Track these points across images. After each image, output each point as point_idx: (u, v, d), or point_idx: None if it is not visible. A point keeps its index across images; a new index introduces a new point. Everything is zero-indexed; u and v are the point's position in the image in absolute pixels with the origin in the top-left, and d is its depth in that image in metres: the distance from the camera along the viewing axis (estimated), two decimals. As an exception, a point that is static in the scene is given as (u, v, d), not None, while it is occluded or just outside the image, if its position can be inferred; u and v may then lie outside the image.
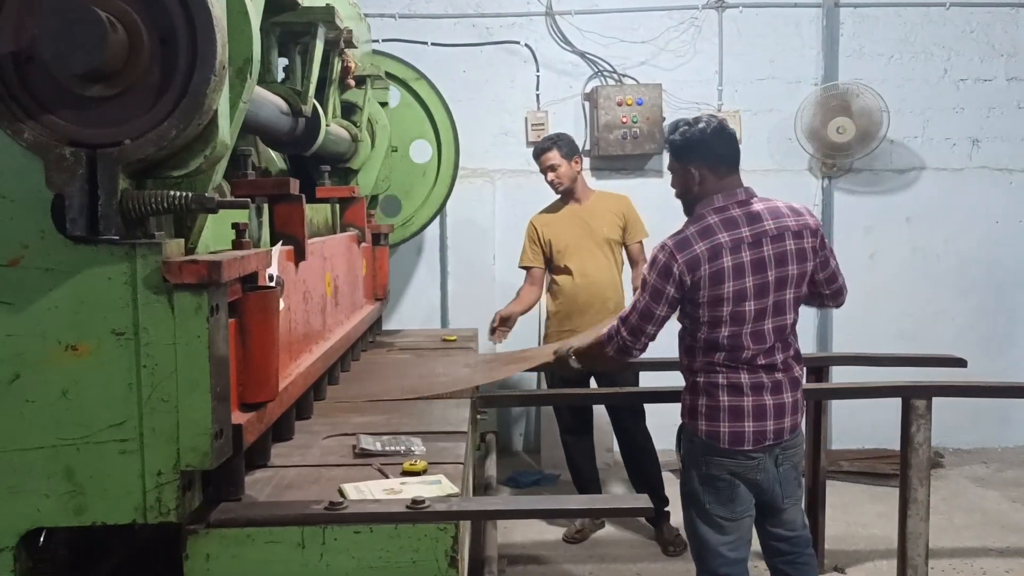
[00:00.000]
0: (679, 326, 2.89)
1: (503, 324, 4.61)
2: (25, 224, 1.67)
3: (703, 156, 2.74)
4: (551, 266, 4.66)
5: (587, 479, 4.58)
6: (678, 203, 4.39)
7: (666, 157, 5.68)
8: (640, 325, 2.77)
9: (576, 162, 4.58)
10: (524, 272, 4.77)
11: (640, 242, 4.60)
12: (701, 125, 2.76)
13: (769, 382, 2.74)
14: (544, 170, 4.60)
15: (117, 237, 1.62)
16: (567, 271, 4.57)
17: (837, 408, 5.54)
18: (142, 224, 1.68)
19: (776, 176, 5.82)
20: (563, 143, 4.56)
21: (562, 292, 4.59)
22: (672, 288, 2.69)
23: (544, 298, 4.83)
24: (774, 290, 2.70)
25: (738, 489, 2.75)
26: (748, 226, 2.69)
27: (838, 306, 2.99)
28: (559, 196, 4.67)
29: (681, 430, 2.92)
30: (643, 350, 2.85)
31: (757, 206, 2.74)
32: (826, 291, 2.89)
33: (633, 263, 4.64)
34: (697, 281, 2.65)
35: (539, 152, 4.61)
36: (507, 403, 3.33)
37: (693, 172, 2.76)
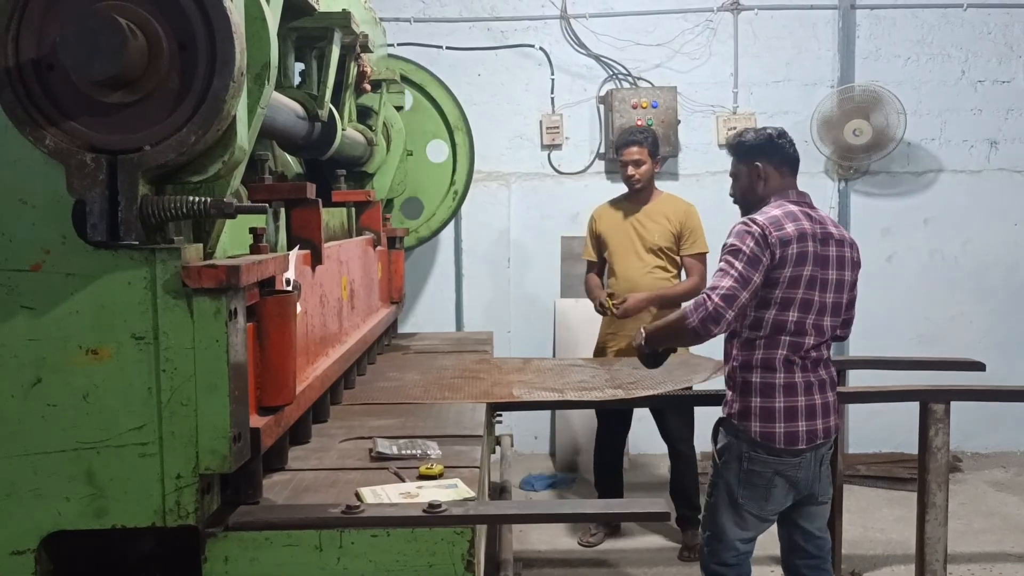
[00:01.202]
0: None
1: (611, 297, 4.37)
2: (47, 229, 1.69)
3: (773, 156, 2.90)
4: (604, 263, 4.57)
5: (611, 480, 4.54)
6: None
7: (682, 160, 5.69)
8: (734, 291, 2.69)
9: (657, 163, 4.48)
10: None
11: (697, 255, 4.36)
12: (769, 131, 2.94)
13: (816, 380, 2.82)
14: (626, 163, 4.40)
15: (137, 242, 1.64)
16: (612, 272, 4.49)
17: (854, 412, 5.50)
18: (161, 229, 1.69)
19: (792, 179, 5.79)
20: (651, 141, 4.41)
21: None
22: (766, 256, 2.70)
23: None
24: (834, 290, 2.82)
25: (774, 488, 2.79)
26: (819, 225, 2.82)
27: (844, 336, 3.04)
28: (629, 191, 4.49)
29: (720, 424, 2.92)
30: (729, 327, 2.75)
31: (820, 212, 2.91)
32: (846, 315, 2.96)
33: (687, 273, 4.40)
34: (784, 257, 2.71)
35: (627, 143, 4.41)
36: (522, 407, 3.32)
37: (761, 169, 2.89)
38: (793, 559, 3.00)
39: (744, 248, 2.71)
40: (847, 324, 2.99)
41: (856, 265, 2.91)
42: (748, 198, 2.94)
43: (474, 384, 3.34)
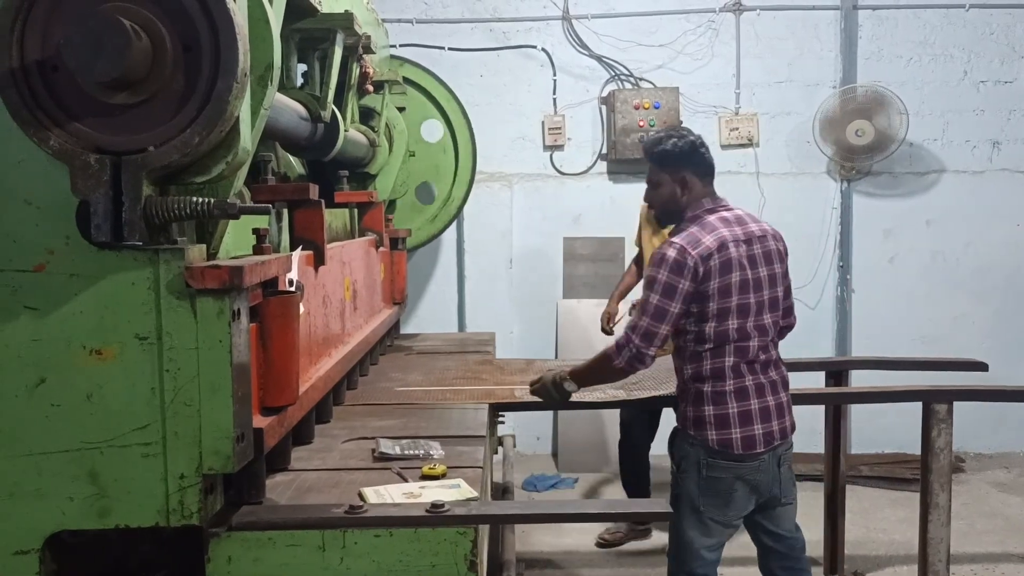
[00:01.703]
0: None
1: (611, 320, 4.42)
2: (51, 230, 1.70)
3: (698, 166, 2.87)
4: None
5: (636, 482, 4.47)
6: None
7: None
8: (652, 328, 2.75)
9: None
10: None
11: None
12: (691, 137, 2.89)
13: (767, 382, 2.82)
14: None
15: (141, 243, 1.65)
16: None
17: (857, 412, 5.50)
18: (165, 230, 1.70)
19: (794, 179, 5.80)
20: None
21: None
22: (686, 281, 2.72)
23: None
24: (767, 286, 2.82)
25: (735, 494, 2.79)
26: (739, 226, 2.82)
27: (790, 326, 3.04)
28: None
29: (676, 434, 2.92)
30: (654, 358, 2.82)
31: (738, 211, 2.90)
32: (785, 304, 2.97)
33: None
34: (709, 270, 2.72)
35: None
36: (526, 408, 3.33)
37: (687, 179, 2.86)
38: (767, 563, 3.00)
39: (659, 277, 2.74)
40: (788, 312, 2.99)
41: (783, 255, 2.91)
42: (670, 208, 2.91)
43: (477, 385, 3.34)
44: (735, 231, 2.79)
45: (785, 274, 2.93)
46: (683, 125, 3.00)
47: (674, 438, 2.93)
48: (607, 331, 4.40)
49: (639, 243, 4.55)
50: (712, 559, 2.86)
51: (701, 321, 2.77)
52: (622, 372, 2.84)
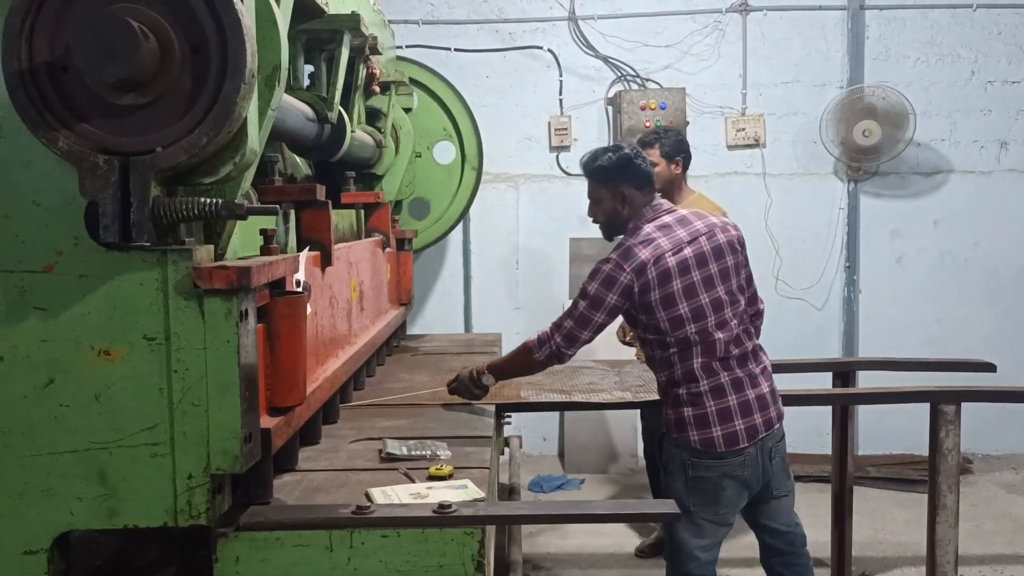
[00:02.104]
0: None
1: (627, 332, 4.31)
2: (59, 231, 1.70)
3: (633, 177, 2.88)
4: None
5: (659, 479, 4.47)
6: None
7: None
8: (575, 332, 2.80)
9: (677, 163, 4.17)
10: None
11: None
12: (626, 151, 2.92)
13: (744, 375, 2.81)
14: None
15: (149, 243, 1.65)
16: None
17: (864, 413, 5.49)
18: (173, 231, 1.70)
19: (801, 179, 5.79)
20: (667, 141, 4.18)
21: None
22: (615, 296, 2.74)
23: None
24: (720, 281, 2.81)
25: (723, 491, 2.78)
26: (682, 228, 2.82)
27: (759, 313, 3.04)
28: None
29: (662, 438, 2.93)
30: (572, 356, 2.88)
31: (681, 211, 2.91)
32: (748, 293, 2.97)
33: None
34: (645, 284, 2.73)
35: (641, 145, 4.20)
36: (532, 409, 3.33)
37: (625, 193, 2.88)
38: (768, 559, 3.00)
39: (590, 289, 2.78)
40: (753, 300, 2.97)
41: (737, 244, 2.88)
42: (612, 222, 2.94)
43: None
44: (677, 235, 2.79)
45: (744, 263, 2.91)
46: (636, 147, 3.03)
47: (661, 441, 2.94)
48: (628, 344, 4.32)
49: None
50: (707, 559, 2.86)
51: (657, 332, 2.79)
52: (540, 365, 2.93)
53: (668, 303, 2.74)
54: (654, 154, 4.19)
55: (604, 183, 2.91)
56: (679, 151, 4.17)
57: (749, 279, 2.96)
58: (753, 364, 2.85)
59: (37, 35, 1.59)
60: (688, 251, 2.77)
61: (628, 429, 5.63)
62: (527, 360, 2.93)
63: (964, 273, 5.84)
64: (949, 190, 5.82)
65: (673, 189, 4.23)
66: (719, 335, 2.77)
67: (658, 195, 2.96)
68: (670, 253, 2.75)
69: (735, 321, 2.82)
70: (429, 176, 4.96)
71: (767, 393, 2.85)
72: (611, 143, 5.70)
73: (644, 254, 2.74)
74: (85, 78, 1.57)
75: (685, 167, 4.20)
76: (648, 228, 2.82)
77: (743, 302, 2.88)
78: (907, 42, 5.74)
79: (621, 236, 2.90)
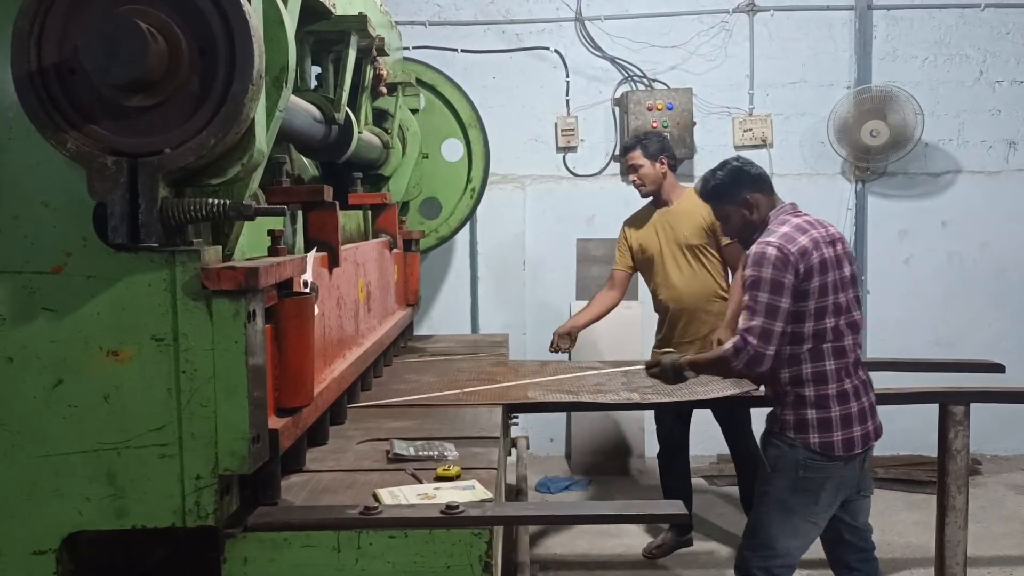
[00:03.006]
0: None
1: (562, 340, 4.30)
2: (68, 232, 1.71)
3: (749, 182, 2.93)
4: (643, 275, 4.41)
5: (676, 481, 4.38)
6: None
7: (698, 162, 5.62)
8: (767, 325, 2.71)
9: (662, 162, 4.20)
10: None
11: (735, 242, 3.85)
12: (732, 163, 2.98)
13: (860, 384, 2.86)
14: (627, 170, 4.34)
15: (157, 244, 1.66)
16: (655, 282, 4.32)
17: (872, 414, 5.47)
18: (181, 231, 1.71)
19: (809, 180, 5.77)
20: (650, 142, 4.23)
21: (657, 306, 4.35)
22: (790, 275, 2.71)
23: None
24: (851, 286, 2.86)
25: (824, 492, 2.80)
26: (818, 229, 2.85)
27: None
28: (646, 200, 4.35)
29: (772, 437, 2.89)
30: (773, 358, 2.74)
31: (807, 215, 2.93)
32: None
33: (732, 267, 4.13)
34: (809, 268, 2.74)
35: (624, 151, 4.31)
36: (539, 409, 3.33)
37: (749, 199, 2.91)
38: (843, 555, 3.01)
39: (764, 276, 2.72)
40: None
41: (854, 258, 2.95)
42: (748, 232, 2.96)
43: (490, 386, 3.34)
44: (820, 232, 2.83)
45: (857, 276, 2.96)
46: (739, 156, 3.09)
47: (767, 442, 2.91)
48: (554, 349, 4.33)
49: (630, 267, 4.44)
50: (792, 563, 2.89)
51: (798, 321, 2.76)
52: (742, 374, 2.92)
53: (822, 292, 2.76)
54: (637, 156, 4.23)
55: (726, 199, 2.96)
56: (662, 150, 4.22)
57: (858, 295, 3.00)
58: (863, 373, 2.91)
59: (46, 37, 1.60)
60: (830, 251, 2.80)
61: (635, 430, 5.63)
62: (726, 368, 2.89)
63: (972, 274, 5.82)
64: (957, 190, 5.80)
65: (664, 186, 4.27)
66: (848, 339, 2.81)
67: (776, 196, 2.99)
68: (824, 245, 2.79)
69: (858, 326, 2.87)
70: (436, 175, 4.95)
71: (873, 402, 2.90)
72: (618, 144, 5.73)
73: (803, 240, 2.76)
74: (94, 80, 1.58)
75: (672, 165, 4.27)
76: (795, 220, 2.85)
77: (859, 312, 2.92)
78: (915, 42, 5.72)
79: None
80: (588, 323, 4.44)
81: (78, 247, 1.70)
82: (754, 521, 2.94)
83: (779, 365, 2.83)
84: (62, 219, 1.71)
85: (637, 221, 4.41)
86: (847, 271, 2.85)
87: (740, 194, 2.91)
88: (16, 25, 1.59)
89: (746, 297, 2.77)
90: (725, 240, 4.03)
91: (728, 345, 2.82)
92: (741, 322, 2.79)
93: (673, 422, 4.36)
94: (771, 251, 2.72)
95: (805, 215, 2.91)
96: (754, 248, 2.79)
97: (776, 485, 2.84)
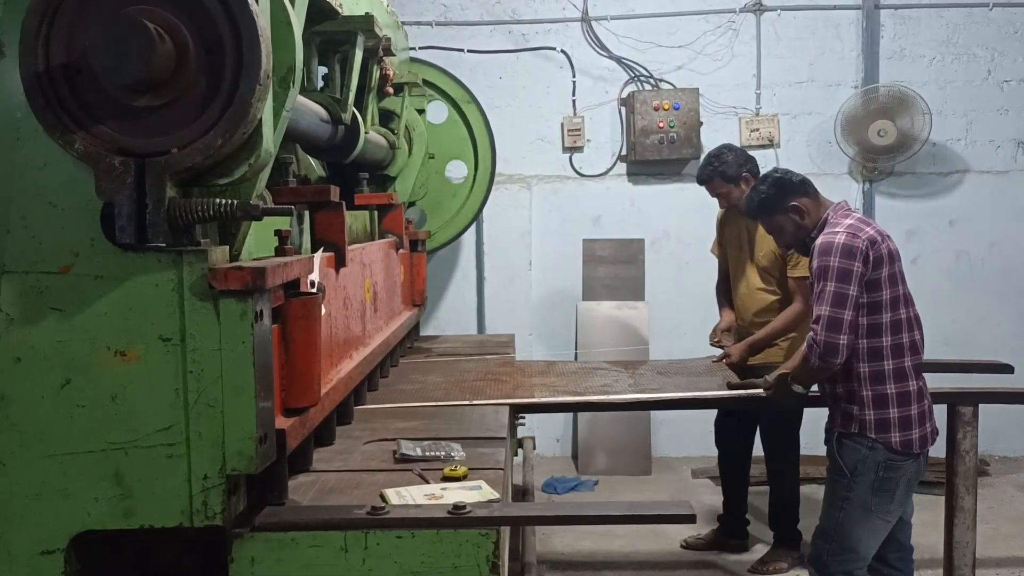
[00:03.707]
0: None
1: (725, 336, 4.10)
2: (75, 232, 1.71)
3: (793, 189, 2.95)
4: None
5: (733, 475, 4.37)
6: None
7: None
8: (835, 314, 2.69)
9: (747, 180, 3.89)
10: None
11: (801, 279, 3.71)
12: (773, 174, 3.01)
13: (923, 382, 2.90)
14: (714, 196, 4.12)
15: (164, 244, 1.66)
16: (731, 280, 4.22)
17: (879, 415, 5.45)
18: (188, 232, 1.71)
19: (816, 180, 5.59)
20: (726, 166, 3.94)
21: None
22: (858, 264, 2.71)
23: None
24: (908, 282, 2.89)
25: (898, 490, 2.82)
26: (873, 226, 2.87)
27: None
28: None
29: (846, 439, 2.86)
30: (848, 348, 2.72)
31: (858, 214, 2.97)
32: None
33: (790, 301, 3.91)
34: (879, 257, 2.75)
35: (700, 182, 4.07)
36: (545, 410, 3.33)
37: (797, 205, 2.92)
38: (882, 549, 2.96)
39: (831, 264, 2.71)
40: None
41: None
42: (801, 236, 2.97)
43: (497, 387, 3.34)
44: (875, 228, 2.85)
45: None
46: (777, 167, 3.14)
47: (840, 443, 2.87)
48: (717, 345, 4.13)
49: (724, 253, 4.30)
50: (869, 562, 2.90)
51: (875, 312, 2.77)
52: (822, 369, 2.81)
53: (892, 282, 2.78)
54: (718, 186, 3.99)
55: (774, 211, 2.97)
56: (740, 167, 3.95)
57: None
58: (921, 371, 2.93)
59: (53, 38, 1.60)
60: (893, 244, 2.83)
61: (642, 431, 5.62)
62: (810, 370, 2.86)
63: (980, 273, 5.80)
64: (965, 190, 5.78)
65: None
66: (916, 330, 2.86)
67: (823, 197, 3.00)
68: (886, 237, 2.82)
69: (920, 323, 2.91)
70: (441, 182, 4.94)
71: (932, 400, 2.93)
72: (624, 144, 5.72)
73: (869, 230, 2.78)
74: (101, 80, 1.58)
75: (754, 173, 3.95)
76: (855, 215, 2.88)
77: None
78: (922, 41, 5.70)
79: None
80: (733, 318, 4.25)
81: (86, 247, 1.71)
82: (832, 524, 2.88)
83: (856, 359, 2.79)
84: (70, 219, 1.71)
85: (728, 216, 4.18)
86: (899, 266, 2.86)
87: (788, 202, 2.93)
88: (24, 25, 1.59)
89: (815, 287, 2.78)
90: (792, 270, 3.84)
91: (803, 345, 2.87)
92: (812, 317, 2.82)
93: (743, 420, 4.25)
94: (839, 239, 2.73)
95: (857, 212, 2.95)
96: (820, 239, 2.78)
97: (858, 489, 2.81)
